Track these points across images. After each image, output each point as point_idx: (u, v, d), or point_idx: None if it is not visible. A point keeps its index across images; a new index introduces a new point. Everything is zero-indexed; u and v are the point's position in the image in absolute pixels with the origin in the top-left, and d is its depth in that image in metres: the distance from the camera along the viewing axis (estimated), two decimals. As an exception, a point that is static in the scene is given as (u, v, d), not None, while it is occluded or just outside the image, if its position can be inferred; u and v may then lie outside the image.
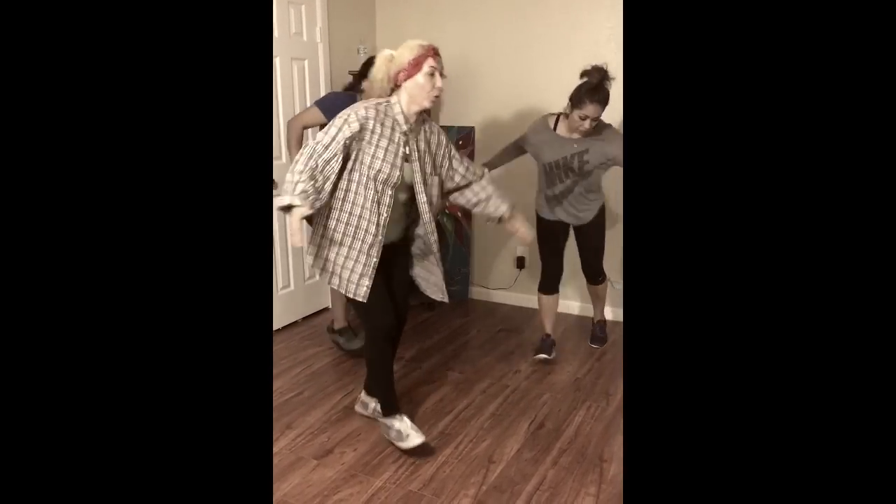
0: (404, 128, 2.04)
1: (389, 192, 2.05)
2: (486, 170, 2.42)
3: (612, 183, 3.41)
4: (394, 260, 2.24)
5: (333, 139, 1.92)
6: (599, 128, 2.66)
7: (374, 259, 2.08)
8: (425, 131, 2.14)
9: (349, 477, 2.09)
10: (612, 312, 3.60)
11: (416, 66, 1.97)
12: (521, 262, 3.82)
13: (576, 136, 2.64)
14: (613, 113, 3.20)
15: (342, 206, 2.05)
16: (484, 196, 2.32)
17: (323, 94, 3.47)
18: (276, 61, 3.16)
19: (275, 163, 3.23)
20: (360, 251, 2.06)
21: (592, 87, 2.50)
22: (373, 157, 1.99)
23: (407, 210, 2.19)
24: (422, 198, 2.14)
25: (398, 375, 2.85)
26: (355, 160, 2.00)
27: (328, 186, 1.92)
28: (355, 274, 2.08)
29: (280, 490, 2.02)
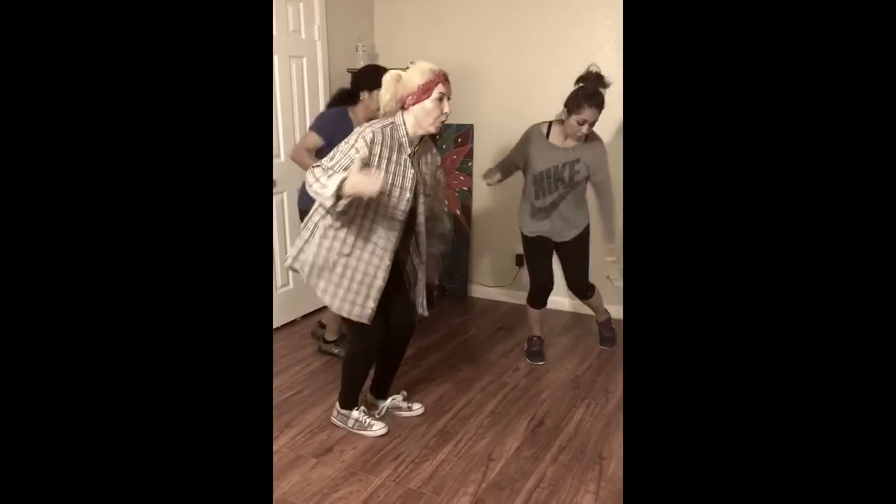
0: (409, 150, 2.04)
1: (399, 216, 2.04)
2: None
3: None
4: (396, 276, 2.23)
5: (343, 163, 1.91)
6: (590, 137, 2.66)
7: (381, 283, 2.07)
8: (425, 152, 2.15)
9: (349, 475, 2.09)
10: (613, 310, 3.60)
11: (425, 91, 1.96)
12: (520, 260, 3.82)
13: (568, 143, 2.65)
14: (612, 113, 3.21)
15: (349, 228, 2.02)
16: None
17: (322, 92, 3.47)
18: (275, 59, 3.16)
19: (274, 161, 3.23)
20: (365, 273, 2.06)
21: (590, 91, 2.51)
22: (391, 180, 2.01)
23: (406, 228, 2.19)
24: (421, 218, 2.16)
25: (398, 374, 2.84)
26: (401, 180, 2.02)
27: None
28: (360, 296, 2.07)
29: (280, 488, 2.02)
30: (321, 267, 2.05)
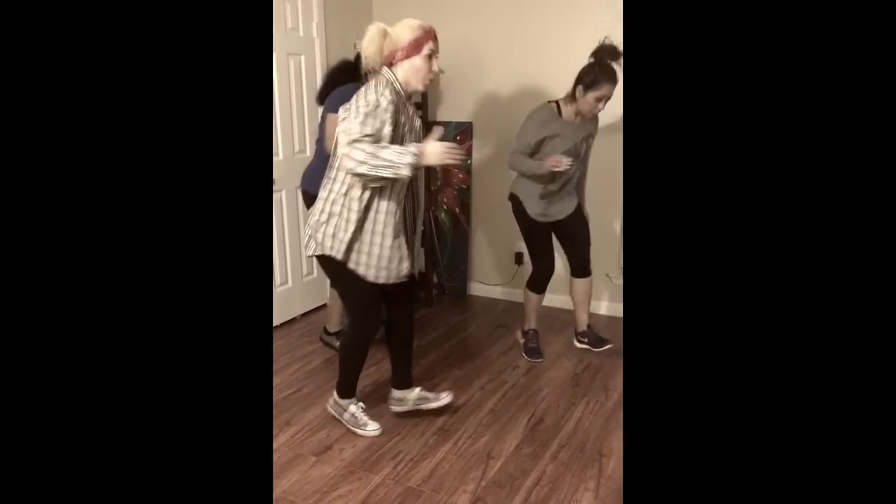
0: (410, 106, 2.04)
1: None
2: None
3: (606, 183, 3.41)
4: None
5: (377, 126, 1.87)
6: None
7: (404, 239, 2.09)
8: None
9: (348, 473, 2.09)
10: (612, 308, 3.60)
11: (416, 47, 1.94)
12: (519, 258, 3.82)
13: (578, 119, 2.62)
14: (612, 110, 3.20)
15: (374, 196, 1.99)
16: None
17: (319, 90, 3.45)
18: (273, 57, 3.15)
19: (273, 160, 3.22)
20: (394, 236, 2.05)
21: (605, 66, 2.47)
22: (402, 138, 1.98)
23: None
24: (419, 173, 2.15)
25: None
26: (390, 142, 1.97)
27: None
28: (394, 260, 2.07)
29: (279, 487, 2.01)
30: (354, 241, 2.03)
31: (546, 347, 3.13)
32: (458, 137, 3.81)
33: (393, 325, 2.33)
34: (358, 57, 2.73)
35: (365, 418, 2.32)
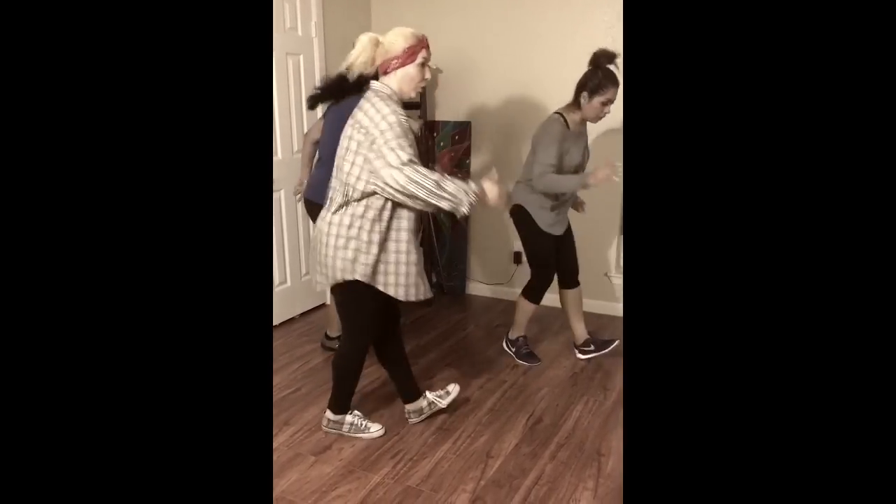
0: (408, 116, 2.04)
1: None
2: None
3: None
4: None
5: (404, 143, 1.89)
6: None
7: (420, 256, 2.09)
8: None
9: (347, 473, 2.09)
10: (611, 307, 3.61)
11: (410, 55, 1.93)
12: (517, 258, 3.82)
13: (578, 128, 2.62)
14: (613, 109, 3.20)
15: (393, 209, 1.99)
16: None
17: (315, 94, 3.43)
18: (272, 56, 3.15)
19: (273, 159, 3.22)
20: (417, 251, 2.05)
21: (607, 70, 2.47)
22: (407, 143, 1.95)
23: None
24: None
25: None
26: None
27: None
28: (421, 276, 2.07)
29: (278, 486, 2.01)
30: (378, 263, 2.01)
31: (545, 347, 3.13)
32: (456, 137, 3.81)
33: (385, 342, 2.28)
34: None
35: (365, 422, 2.30)
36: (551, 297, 3.72)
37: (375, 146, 1.86)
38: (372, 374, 2.83)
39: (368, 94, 1.96)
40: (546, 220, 2.70)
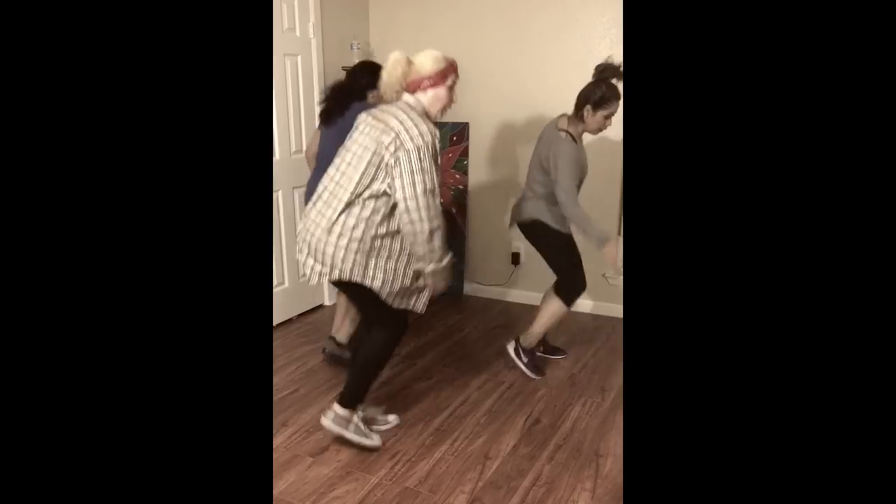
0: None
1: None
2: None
3: (603, 184, 3.41)
4: None
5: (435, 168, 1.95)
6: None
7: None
8: None
9: (345, 474, 2.08)
10: (608, 308, 3.61)
11: (442, 77, 1.99)
12: (515, 259, 3.83)
13: (580, 142, 2.62)
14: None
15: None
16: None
17: (316, 91, 3.45)
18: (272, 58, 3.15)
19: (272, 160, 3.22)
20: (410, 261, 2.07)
21: (612, 84, 2.48)
22: (436, 169, 1.98)
23: None
24: None
25: (394, 373, 2.85)
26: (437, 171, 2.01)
27: None
28: (419, 288, 2.10)
29: (276, 488, 2.01)
30: (395, 281, 2.03)
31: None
32: (454, 138, 3.81)
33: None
34: (352, 79, 2.74)
35: (367, 429, 2.26)
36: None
37: (403, 159, 1.88)
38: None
39: (403, 106, 1.98)
40: (565, 224, 2.70)
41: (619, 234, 3.54)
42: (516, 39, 3.54)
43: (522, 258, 3.82)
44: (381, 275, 1.99)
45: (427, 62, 1.98)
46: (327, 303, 3.77)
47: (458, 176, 3.84)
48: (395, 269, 2.01)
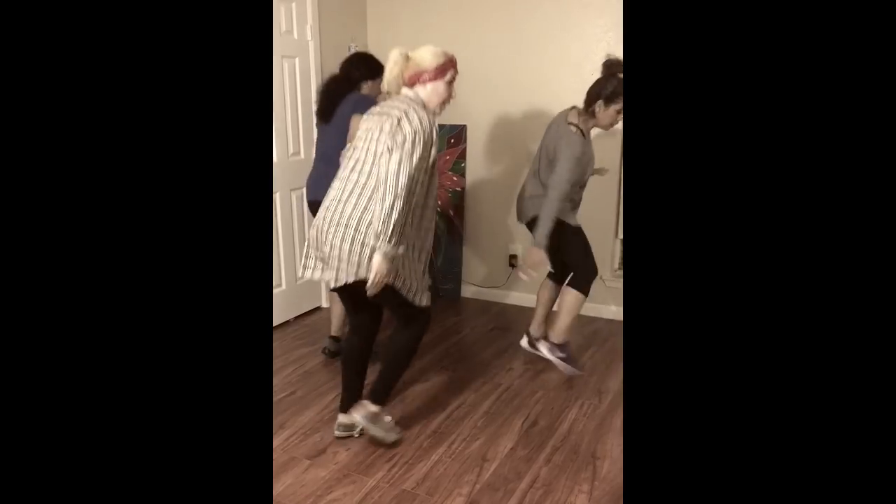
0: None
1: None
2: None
3: (601, 186, 3.42)
4: None
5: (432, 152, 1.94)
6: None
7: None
8: None
9: (342, 476, 2.08)
10: (606, 311, 3.62)
11: (441, 72, 2.01)
12: (513, 260, 3.83)
13: (589, 138, 2.62)
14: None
15: (422, 215, 2.03)
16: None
17: (314, 93, 3.45)
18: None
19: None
20: (426, 258, 2.07)
21: (621, 79, 2.47)
22: (436, 159, 2.01)
23: None
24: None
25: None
26: (433, 167, 2.01)
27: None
28: (425, 283, 2.10)
29: (273, 490, 2.01)
30: (404, 267, 2.01)
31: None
32: (451, 140, 3.82)
33: (365, 348, 2.28)
34: (347, 70, 2.73)
35: (390, 421, 2.28)
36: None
37: (398, 141, 1.88)
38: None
39: (402, 98, 2.00)
40: (572, 220, 2.70)
41: (617, 234, 3.55)
42: (514, 42, 3.54)
43: (520, 260, 3.82)
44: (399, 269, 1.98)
45: (426, 56, 2.00)
46: (324, 305, 3.77)
47: (455, 178, 3.84)
48: (413, 264, 2.03)
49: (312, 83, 3.46)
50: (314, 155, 2.88)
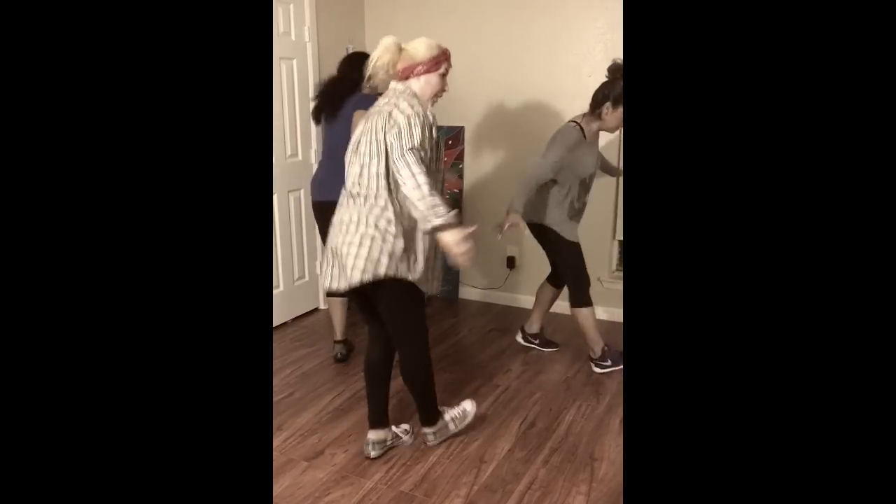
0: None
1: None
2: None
3: (599, 187, 3.42)
4: None
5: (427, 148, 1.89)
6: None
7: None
8: None
9: (340, 478, 2.08)
10: (604, 312, 3.62)
11: (435, 64, 1.98)
12: (511, 262, 3.83)
13: (591, 139, 2.63)
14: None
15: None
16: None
17: (311, 92, 3.45)
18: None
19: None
20: (432, 249, 2.04)
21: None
22: (435, 154, 1.97)
23: None
24: None
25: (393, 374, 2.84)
26: (437, 158, 1.98)
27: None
28: (438, 270, 2.10)
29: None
30: (402, 258, 1.97)
31: (538, 351, 3.14)
32: (449, 142, 3.82)
33: (387, 358, 2.23)
34: (347, 71, 2.74)
35: (460, 408, 2.32)
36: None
37: (394, 132, 1.86)
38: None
39: (391, 94, 1.96)
40: (572, 233, 2.71)
41: (615, 236, 3.55)
42: (512, 43, 3.55)
43: (517, 262, 3.82)
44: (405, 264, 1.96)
45: (420, 48, 1.97)
46: (322, 306, 3.76)
47: (453, 180, 3.85)
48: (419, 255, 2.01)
49: (310, 85, 3.45)
50: (320, 156, 2.90)
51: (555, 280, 3.02)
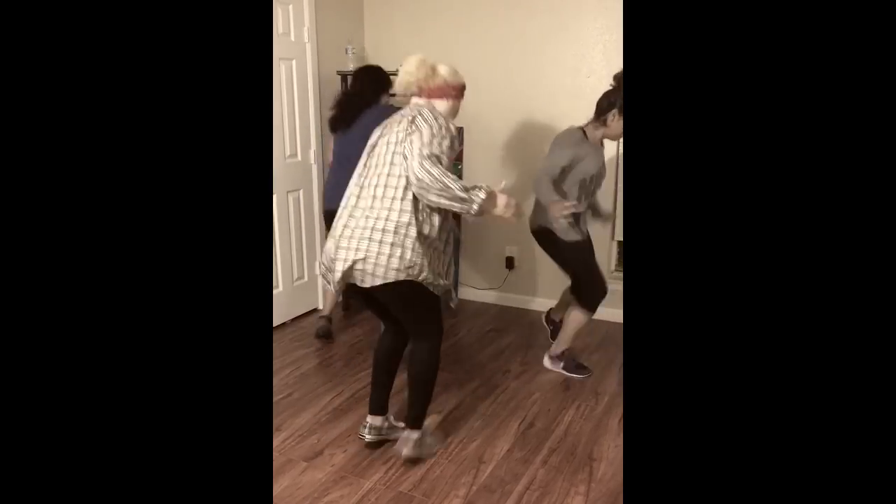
0: None
1: None
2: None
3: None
4: None
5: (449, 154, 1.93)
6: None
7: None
8: None
9: (339, 479, 2.08)
10: (603, 312, 3.62)
11: (461, 91, 2.07)
12: (510, 263, 3.83)
13: (594, 143, 2.62)
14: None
15: (437, 219, 1.98)
16: None
17: (311, 95, 3.45)
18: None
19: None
20: (449, 258, 2.07)
21: None
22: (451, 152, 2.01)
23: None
24: None
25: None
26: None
27: None
28: (450, 276, 2.10)
29: (270, 492, 2.01)
30: (424, 263, 1.96)
31: (537, 352, 3.14)
32: (449, 142, 3.82)
33: (398, 347, 2.25)
34: (362, 83, 2.80)
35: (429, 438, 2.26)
36: (544, 303, 3.73)
37: (415, 136, 1.87)
38: (363, 378, 2.82)
39: (416, 107, 1.98)
40: (572, 235, 2.68)
41: (614, 236, 3.56)
42: (511, 44, 3.55)
43: (516, 262, 3.83)
44: (418, 262, 1.95)
45: (452, 73, 2.03)
46: (321, 307, 3.76)
47: (452, 180, 3.85)
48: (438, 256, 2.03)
49: (309, 85, 3.46)
50: (331, 164, 2.92)
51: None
